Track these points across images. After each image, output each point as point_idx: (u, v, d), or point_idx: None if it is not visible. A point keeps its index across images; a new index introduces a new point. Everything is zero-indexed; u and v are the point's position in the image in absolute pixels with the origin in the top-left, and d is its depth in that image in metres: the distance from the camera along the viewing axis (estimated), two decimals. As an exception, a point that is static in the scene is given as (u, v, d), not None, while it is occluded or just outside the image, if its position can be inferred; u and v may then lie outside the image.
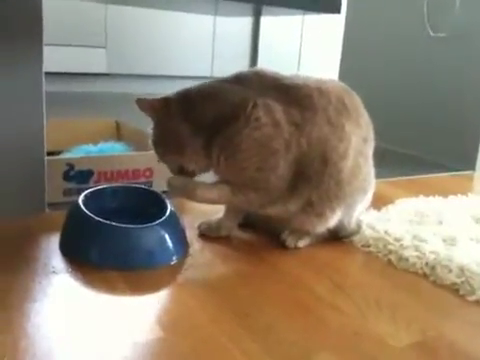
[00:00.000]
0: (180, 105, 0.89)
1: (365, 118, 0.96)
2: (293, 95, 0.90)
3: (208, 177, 0.95)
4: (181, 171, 0.93)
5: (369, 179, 0.98)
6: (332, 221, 0.95)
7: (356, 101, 0.96)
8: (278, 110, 0.87)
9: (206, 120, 0.88)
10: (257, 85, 0.90)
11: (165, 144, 0.92)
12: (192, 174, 0.94)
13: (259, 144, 0.87)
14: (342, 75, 2.28)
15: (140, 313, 0.72)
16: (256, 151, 0.87)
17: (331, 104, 0.90)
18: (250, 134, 0.86)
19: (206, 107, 0.88)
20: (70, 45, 2.95)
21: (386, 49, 2.16)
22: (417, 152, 2.00)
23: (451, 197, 1.34)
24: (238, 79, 0.92)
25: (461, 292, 0.84)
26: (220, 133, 0.87)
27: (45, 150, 1.03)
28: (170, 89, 0.94)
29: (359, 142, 0.93)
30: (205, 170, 0.94)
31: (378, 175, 1.01)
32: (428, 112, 1.99)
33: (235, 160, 0.88)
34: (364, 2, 2.21)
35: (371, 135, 0.97)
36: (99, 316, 0.71)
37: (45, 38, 0.98)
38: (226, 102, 0.88)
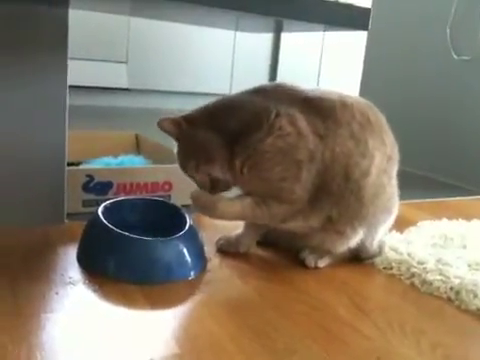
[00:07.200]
0: (203, 117, 0.88)
1: (390, 136, 0.94)
2: (316, 107, 0.88)
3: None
4: (214, 184, 0.89)
5: (393, 200, 0.96)
6: (353, 240, 0.93)
7: (381, 119, 0.94)
8: (301, 119, 0.86)
9: (229, 129, 0.86)
10: (278, 96, 0.89)
11: (196, 157, 0.88)
12: (226, 186, 0.90)
13: (283, 153, 0.85)
14: (362, 94, 2.26)
15: (157, 328, 0.71)
16: (280, 160, 0.85)
17: (355, 119, 0.88)
18: (274, 143, 0.84)
19: (228, 117, 0.87)
20: (92, 59, 2.98)
21: (408, 70, 2.14)
22: (437, 175, 1.97)
23: (474, 221, 1.31)
24: (258, 91, 0.90)
25: (487, 318, 0.81)
26: (242, 143, 0.85)
27: (66, 161, 1.03)
28: (190, 105, 0.93)
29: (383, 160, 0.91)
30: (233, 183, 0.91)
31: (400, 197, 0.98)
32: (449, 135, 1.97)
33: (258, 170, 0.86)
34: (386, 21, 2.20)
35: (396, 154, 0.95)
36: (115, 330, 0.70)
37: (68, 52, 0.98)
38: (248, 111, 0.86)
